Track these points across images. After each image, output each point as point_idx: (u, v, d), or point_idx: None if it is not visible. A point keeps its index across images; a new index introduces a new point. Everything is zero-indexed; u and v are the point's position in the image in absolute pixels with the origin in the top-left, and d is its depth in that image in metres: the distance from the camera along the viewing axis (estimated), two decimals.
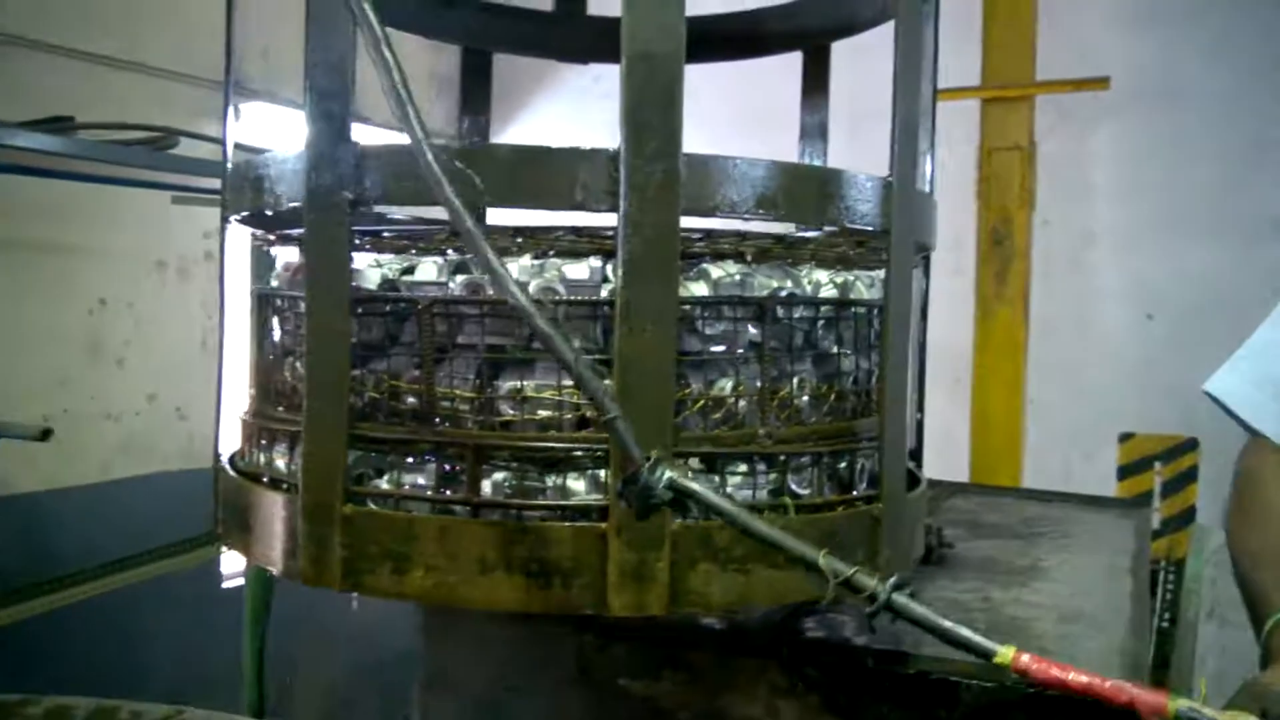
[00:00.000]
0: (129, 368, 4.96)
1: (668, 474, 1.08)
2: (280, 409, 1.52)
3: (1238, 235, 5.02)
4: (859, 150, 2.10)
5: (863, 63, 2.33)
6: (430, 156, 1.14)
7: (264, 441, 1.55)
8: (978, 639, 1.01)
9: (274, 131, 5.34)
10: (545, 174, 1.27)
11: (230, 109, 1.71)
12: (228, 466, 1.62)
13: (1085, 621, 1.86)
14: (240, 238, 1.66)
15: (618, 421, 1.10)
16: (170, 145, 3.46)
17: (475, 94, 2.33)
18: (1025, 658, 0.97)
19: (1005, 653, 0.98)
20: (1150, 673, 1.79)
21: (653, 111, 1.23)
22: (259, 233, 1.69)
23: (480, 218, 1.37)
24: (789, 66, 2.28)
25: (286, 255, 1.60)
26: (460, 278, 1.35)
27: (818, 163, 2.24)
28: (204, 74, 4.85)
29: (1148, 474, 4.33)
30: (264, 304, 1.57)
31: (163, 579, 4.02)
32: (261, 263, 1.63)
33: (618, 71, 1.25)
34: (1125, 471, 4.38)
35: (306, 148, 1.31)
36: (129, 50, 4.76)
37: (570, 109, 6.96)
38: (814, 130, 2.23)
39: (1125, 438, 4.37)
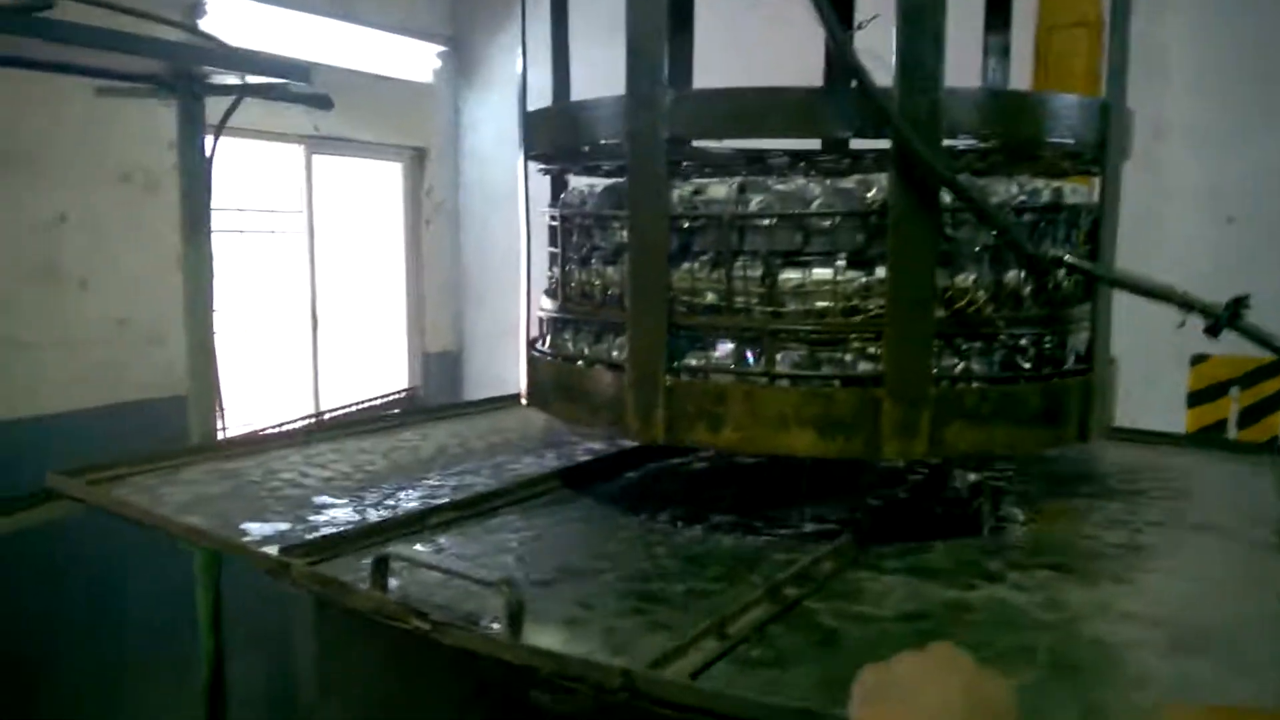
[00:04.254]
0: (93, 290, 4.46)
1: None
2: (586, 305, 1.89)
3: None
4: None
5: None
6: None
7: (571, 332, 1.93)
8: None
9: (236, 25, 4.71)
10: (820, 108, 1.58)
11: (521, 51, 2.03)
12: (532, 349, 2.01)
13: (1217, 653, 1.20)
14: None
15: None
16: (43, 6, 2.54)
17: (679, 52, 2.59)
18: None
19: None
20: None
21: (922, 51, 1.51)
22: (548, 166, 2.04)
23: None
24: None
25: (577, 183, 1.95)
26: (755, 196, 1.67)
27: (997, 77, 2.48)
28: None
29: (1223, 400, 3.81)
30: (567, 223, 1.93)
31: None
32: (557, 191, 1.99)
33: None
34: (1196, 398, 3.86)
35: (627, 94, 1.63)
36: None
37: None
38: (998, 49, 2.45)
39: (1198, 360, 3.82)
